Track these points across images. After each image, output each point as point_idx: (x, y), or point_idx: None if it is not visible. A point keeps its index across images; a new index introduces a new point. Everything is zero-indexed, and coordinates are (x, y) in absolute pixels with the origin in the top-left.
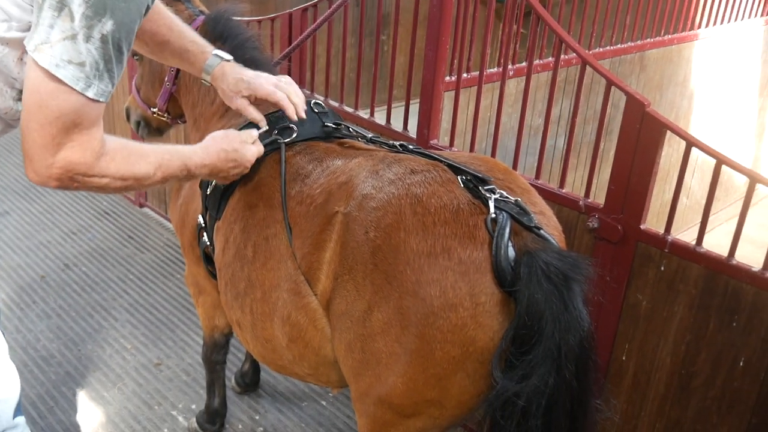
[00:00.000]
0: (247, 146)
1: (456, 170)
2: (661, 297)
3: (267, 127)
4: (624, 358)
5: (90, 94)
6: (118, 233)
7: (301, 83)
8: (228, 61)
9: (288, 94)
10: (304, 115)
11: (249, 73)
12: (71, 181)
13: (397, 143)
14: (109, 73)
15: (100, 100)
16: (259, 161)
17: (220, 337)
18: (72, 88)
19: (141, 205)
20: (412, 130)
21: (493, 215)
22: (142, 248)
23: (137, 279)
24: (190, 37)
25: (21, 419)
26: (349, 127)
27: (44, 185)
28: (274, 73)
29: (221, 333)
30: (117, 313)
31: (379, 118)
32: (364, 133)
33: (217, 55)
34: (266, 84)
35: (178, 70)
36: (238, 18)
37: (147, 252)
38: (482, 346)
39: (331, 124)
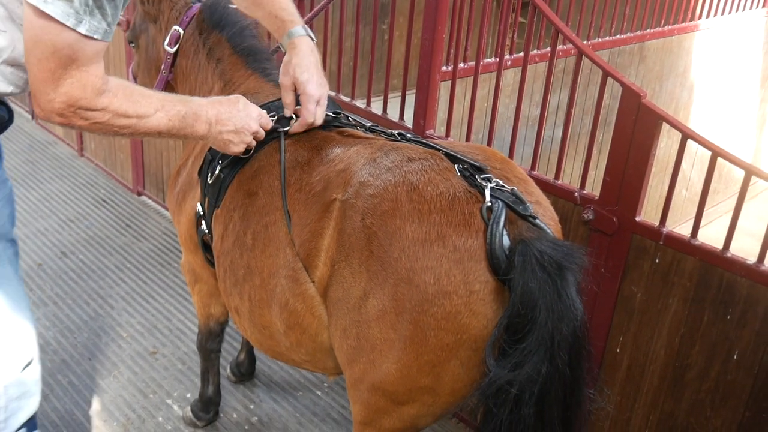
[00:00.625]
0: (251, 104)
1: (453, 159)
2: (655, 289)
3: (284, 115)
4: (618, 350)
5: (82, 30)
6: (115, 221)
7: None
8: (311, 39)
9: (316, 116)
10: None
11: (313, 69)
12: (74, 116)
13: (395, 132)
14: (101, 10)
15: (95, 36)
16: (259, 149)
17: (215, 325)
18: (63, 24)
19: (139, 194)
20: (409, 120)
21: (489, 204)
22: (140, 237)
23: (134, 267)
24: (281, 4)
25: (29, 375)
26: (348, 116)
27: (48, 120)
28: (270, 60)
29: (216, 321)
30: (113, 302)
31: (376, 107)
32: (363, 122)
33: (304, 28)
34: (312, 95)
35: (174, 58)
36: (236, 6)
37: (144, 240)
38: (476, 334)
39: (330, 113)
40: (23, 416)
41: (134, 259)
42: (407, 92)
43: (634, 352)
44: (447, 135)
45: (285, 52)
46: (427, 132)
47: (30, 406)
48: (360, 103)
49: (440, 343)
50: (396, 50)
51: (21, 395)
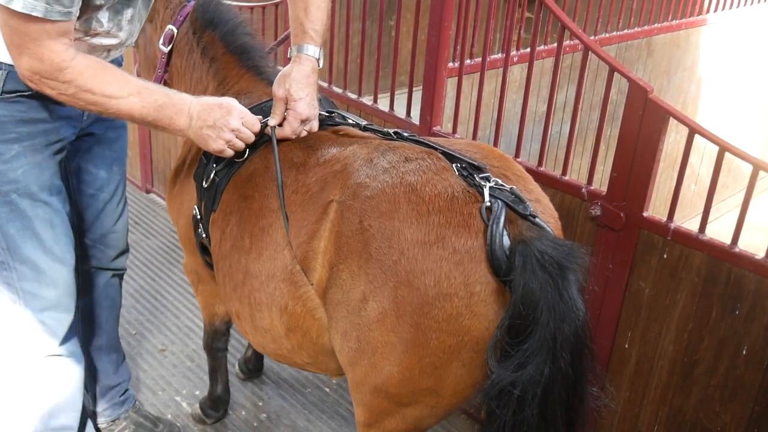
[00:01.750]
0: (235, 105)
1: (451, 158)
2: (663, 284)
3: (269, 123)
4: (627, 345)
5: (16, 7)
6: None
7: None
8: (317, 62)
9: (297, 134)
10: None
11: (309, 89)
12: (41, 84)
13: (391, 131)
14: None
15: (33, 14)
16: (253, 152)
17: (220, 324)
18: None
19: (147, 191)
20: (416, 117)
21: (488, 203)
22: (148, 234)
23: (143, 265)
24: (311, 14)
25: (68, 348)
26: (343, 115)
27: (24, 82)
28: (264, 57)
29: (222, 320)
30: (122, 299)
31: (383, 104)
32: (358, 121)
33: (317, 50)
34: (301, 114)
35: (169, 57)
36: (236, 3)
37: (153, 238)
38: (477, 336)
39: (324, 112)
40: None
41: (142, 256)
42: (414, 89)
43: (643, 348)
44: (454, 131)
45: (289, 59)
46: (434, 128)
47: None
48: (367, 100)
49: (442, 345)
50: (403, 47)
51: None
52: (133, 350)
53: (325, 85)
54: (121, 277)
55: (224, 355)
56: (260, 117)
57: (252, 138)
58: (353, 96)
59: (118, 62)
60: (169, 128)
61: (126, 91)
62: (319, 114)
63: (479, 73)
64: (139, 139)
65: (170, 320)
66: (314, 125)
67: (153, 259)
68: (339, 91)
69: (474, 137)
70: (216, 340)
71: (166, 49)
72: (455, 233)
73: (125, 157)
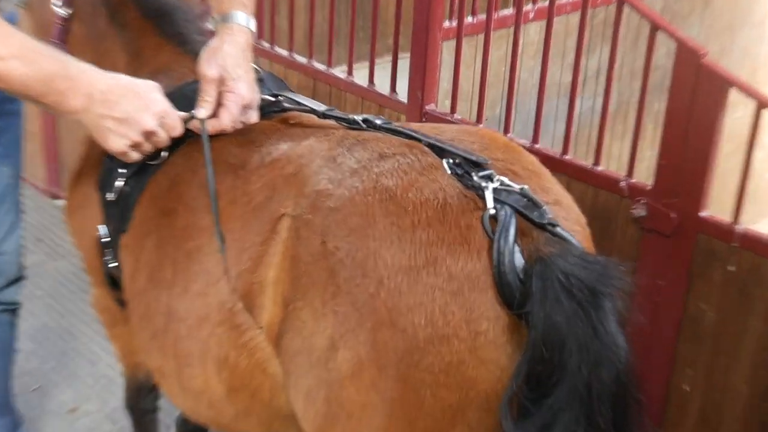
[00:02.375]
0: (158, 98)
1: (440, 151)
2: (731, 306)
3: (198, 114)
4: (687, 387)
5: None
6: None
7: (259, 34)
8: (251, 31)
9: (239, 117)
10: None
11: (247, 67)
12: None
13: (359, 118)
14: None
15: None
16: (174, 151)
17: (146, 377)
18: None
19: (54, 197)
20: (403, 93)
21: (492, 211)
22: (55, 254)
23: (47, 296)
24: None
25: None
26: (293, 98)
27: None
28: (191, 22)
29: (148, 372)
30: (17, 343)
31: (360, 77)
32: (315, 106)
33: (250, 20)
34: (243, 96)
35: (68, 23)
36: None
37: (61, 259)
38: (486, 389)
39: (267, 96)
40: None
41: (47, 284)
42: (400, 56)
43: (708, 390)
44: (453, 111)
45: (214, 32)
46: (427, 107)
47: None
48: (339, 72)
49: (440, 404)
50: (387, 2)
51: None
52: (34, 411)
53: (285, 53)
54: (13, 313)
55: (154, 417)
56: (186, 114)
57: (168, 142)
58: (321, 67)
59: (9, 19)
60: (58, 107)
61: (5, 50)
62: (261, 98)
63: (484, 34)
64: (41, 128)
65: (84, 369)
66: (253, 116)
67: (61, 288)
68: (303, 60)
69: (479, 118)
70: (141, 399)
71: (63, 13)
72: (450, 253)
73: (18, 153)
